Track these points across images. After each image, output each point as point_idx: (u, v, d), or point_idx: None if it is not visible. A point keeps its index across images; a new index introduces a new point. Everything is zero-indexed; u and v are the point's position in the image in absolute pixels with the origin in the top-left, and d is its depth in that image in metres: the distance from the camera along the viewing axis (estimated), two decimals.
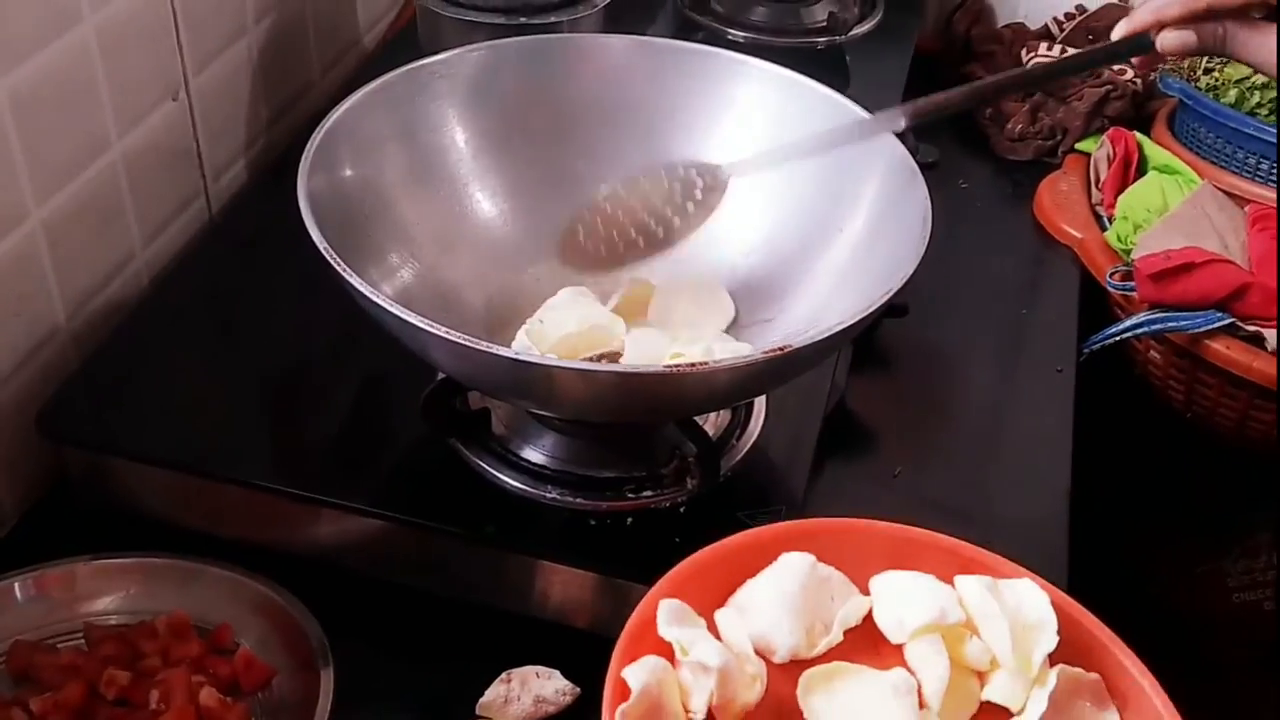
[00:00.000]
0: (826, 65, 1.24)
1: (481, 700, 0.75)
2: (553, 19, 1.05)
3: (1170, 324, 1.06)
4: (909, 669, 0.64)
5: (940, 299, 1.09)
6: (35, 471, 0.87)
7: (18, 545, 0.84)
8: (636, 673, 0.60)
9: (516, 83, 0.91)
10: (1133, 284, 1.08)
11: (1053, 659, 0.63)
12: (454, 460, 0.82)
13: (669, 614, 0.63)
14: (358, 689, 0.74)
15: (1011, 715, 0.63)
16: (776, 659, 0.65)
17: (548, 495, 0.80)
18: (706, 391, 0.69)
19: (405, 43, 1.16)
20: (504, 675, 0.76)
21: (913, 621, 0.64)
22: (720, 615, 0.65)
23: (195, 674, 0.73)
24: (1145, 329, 1.07)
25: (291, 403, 0.90)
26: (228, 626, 0.77)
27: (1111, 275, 1.12)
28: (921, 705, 0.62)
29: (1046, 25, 1.39)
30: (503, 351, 0.66)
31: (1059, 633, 0.63)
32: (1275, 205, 1.15)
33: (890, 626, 0.66)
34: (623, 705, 0.58)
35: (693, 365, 0.65)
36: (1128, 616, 0.68)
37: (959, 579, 0.66)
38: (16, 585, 0.77)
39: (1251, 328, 1.04)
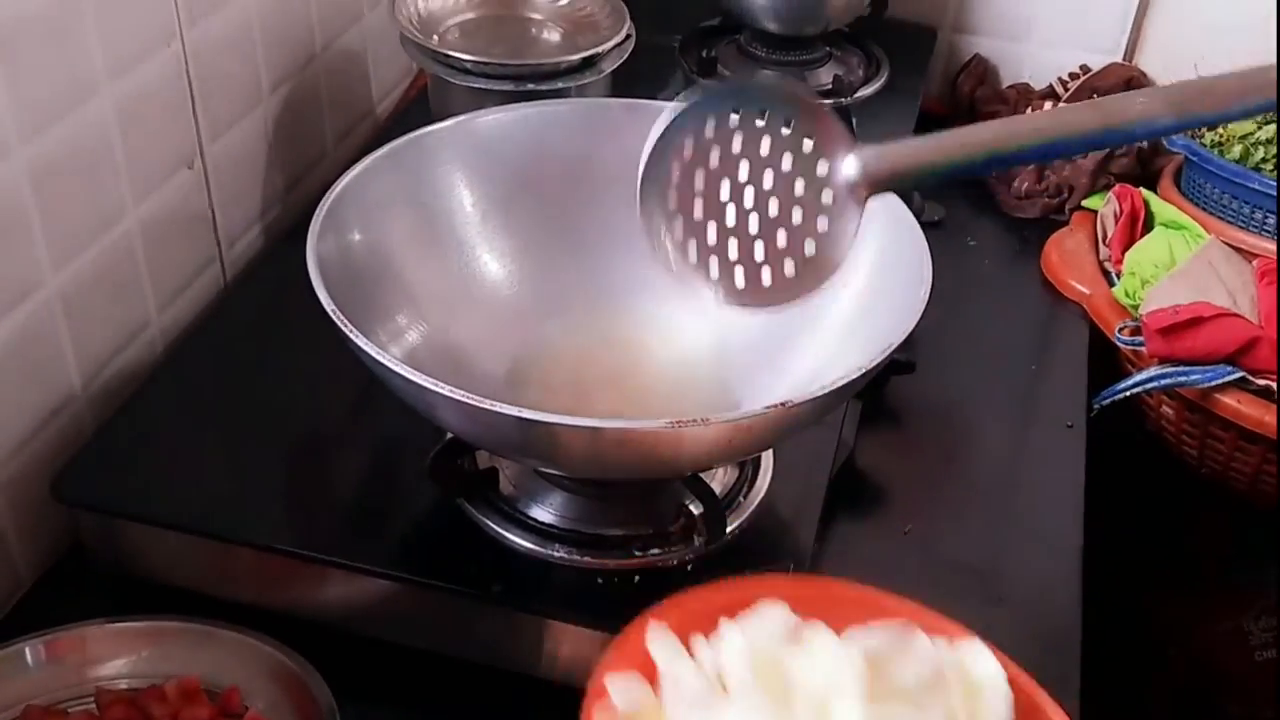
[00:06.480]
0: None
1: None
2: (560, 85, 1.07)
3: (1180, 379, 1.06)
4: None
5: (950, 356, 1.09)
6: (50, 536, 0.88)
7: (33, 609, 0.85)
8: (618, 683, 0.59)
9: (522, 147, 0.92)
10: (1142, 339, 1.08)
11: None
12: (462, 520, 0.83)
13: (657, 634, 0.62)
14: None
15: None
16: None
17: (555, 554, 0.81)
18: (709, 446, 0.70)
19: (418, 112, 1.18)
20: None
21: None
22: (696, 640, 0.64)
23: None
24: (1155, 384, 1.07)
25: (303, 466, 0.90)
26: (236, 690, 0.77)
27: (1120, 330, 1.12)
28: None
29: (1051, 85, 1.40)
30: (505, 409, 0.66)
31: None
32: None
33: None
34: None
35: (694, 420, 0.66)
36: (1148, 676, 0.67)
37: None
38: (27, 650, 0.77)
39: (1262, 381, 1.04)
